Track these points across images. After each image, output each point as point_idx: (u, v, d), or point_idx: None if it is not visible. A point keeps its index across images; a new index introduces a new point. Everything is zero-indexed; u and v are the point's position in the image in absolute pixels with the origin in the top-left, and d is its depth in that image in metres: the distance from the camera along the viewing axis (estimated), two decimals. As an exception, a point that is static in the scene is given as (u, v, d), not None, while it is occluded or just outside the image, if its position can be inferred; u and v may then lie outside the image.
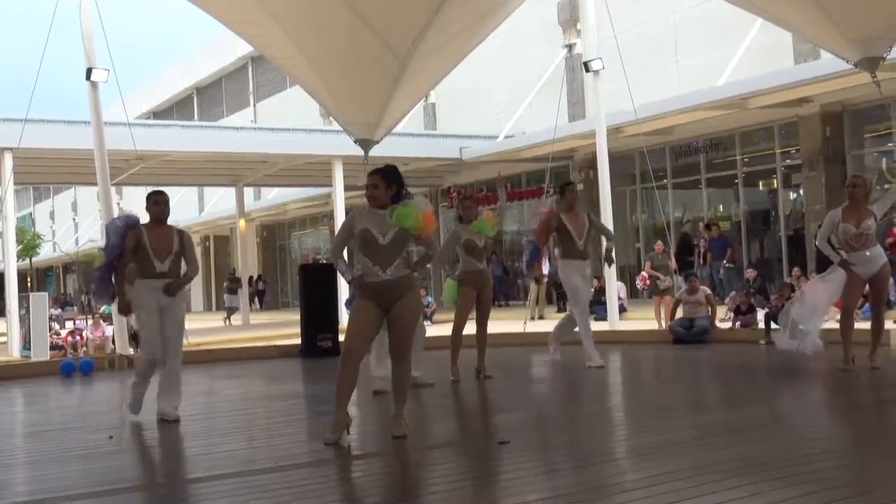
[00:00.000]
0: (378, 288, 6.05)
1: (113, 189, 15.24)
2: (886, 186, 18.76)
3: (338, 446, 5.90)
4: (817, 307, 8.64)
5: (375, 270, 6.03)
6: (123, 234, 7.28)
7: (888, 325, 12.95)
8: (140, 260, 7.25)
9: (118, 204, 41.30)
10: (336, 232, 7.61)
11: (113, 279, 7.38)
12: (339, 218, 22.03)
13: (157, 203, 7.43)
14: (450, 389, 8.68)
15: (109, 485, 5.20)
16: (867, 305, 15.38)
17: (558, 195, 10.09)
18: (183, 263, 7.43)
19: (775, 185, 20.95)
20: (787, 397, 7.64)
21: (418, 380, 8.70)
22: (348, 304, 7.35)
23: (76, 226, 54.07)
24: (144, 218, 7.48)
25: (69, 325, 20.87)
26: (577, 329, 10.18)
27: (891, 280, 15.59)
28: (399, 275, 6.06)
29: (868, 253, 8.38)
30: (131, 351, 13.59)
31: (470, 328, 9.26)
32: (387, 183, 6.10)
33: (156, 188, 7.71)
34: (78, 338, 16.92)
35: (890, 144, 18.32)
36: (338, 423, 6.01)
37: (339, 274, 7.61)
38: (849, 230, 8.34)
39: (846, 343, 8.45)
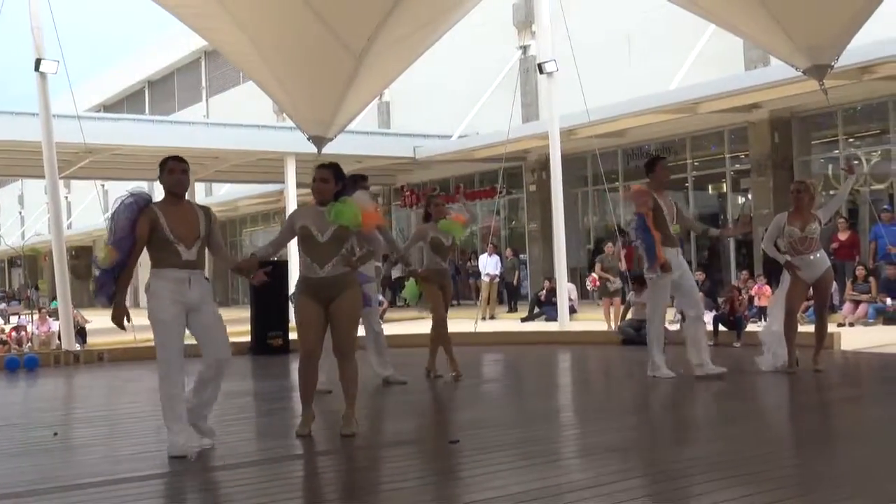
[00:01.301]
0: (316, 285, 6.06)
1: (61, 182, 15.02)
2: (832, 192, 19.11)
3: (306, 439, 6.00)
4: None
5: (314, 267, 6.05)
6: (135, 220, 5.64)
7: (830, 328, 13.20)
8: (158, 247, 5.67)
9: (66, 198, 40.86)
10: None
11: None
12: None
13: (173, 172, 5.79)
14: (399, 388, 8.67)
15: (52, 482, 5.14)
16: (811, 309, 15.67)
17: (647, 170, 8.83)
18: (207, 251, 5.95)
19: (724, 189, 21.22)
20: (733, 399, 7.74)
21: (391, 378, 8.74)
22: (292, 298, 7.32)
23: (22, 219, 53.14)
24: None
25: (14, 319, 20.54)
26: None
27: (834, 284, 15.89)
28: (337, 272, 6.06)
29: (812, 257, 8.55)
30: (77, 347, 13.42)
31: (424, 328, 9.25)
32: (336, 179, 6.13)
33: (172, 155, 6.10)
34: (23, 333, 16.65)
35: (836, 151, 18.64)
36: (306, 419, 6.14)
37: (289, 272, 7.57)
38: (794, 233, 8.50)
39: (790, 346, 8.58)
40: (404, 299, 10.90)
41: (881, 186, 18.21)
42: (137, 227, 5.62)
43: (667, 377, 8.36)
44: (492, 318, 20.68)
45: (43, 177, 14.07)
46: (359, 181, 8.82)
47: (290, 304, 8.02)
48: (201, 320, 5.73)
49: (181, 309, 5.64)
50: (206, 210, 5.93)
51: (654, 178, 8.69)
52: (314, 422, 6.17)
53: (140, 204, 5.68)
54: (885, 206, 16.70)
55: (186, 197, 6.05)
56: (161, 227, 5.62)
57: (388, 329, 10.35)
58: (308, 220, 6.09)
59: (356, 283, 6.24)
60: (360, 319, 8.59)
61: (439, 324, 9.02)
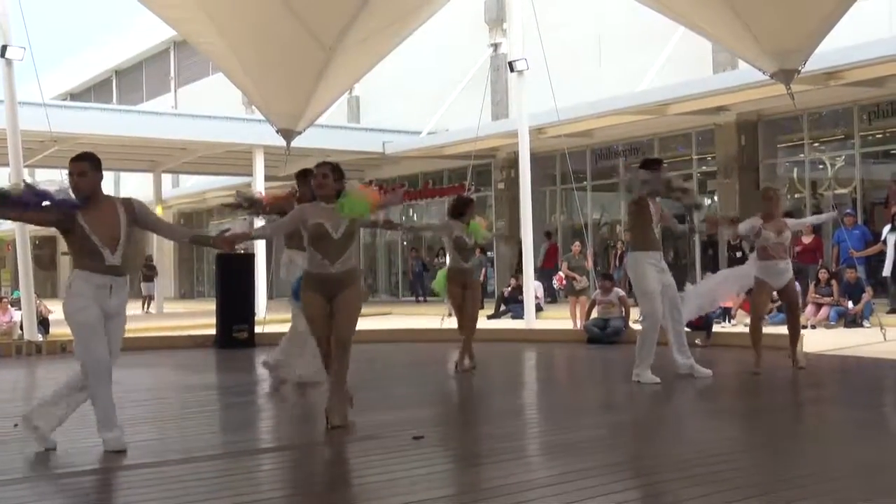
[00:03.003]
0: (324, 280, 6.17)
1: (26, 171, 14.82)
2: (797, 196, 19.33)
3: (272, 433, 5.96)
4: (712, 294, 9.17)
5: (325, 264, 6.16)
6: (52, 204, 5.48)
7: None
8: (81, 250, 5.51)
9: (30, 186, 40.29)
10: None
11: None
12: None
13: (70, 175, 5.54)
14: (363, 384, 8.66)
15: (10, 474, 5.08)
16: (774, 312, 15.84)
17: (647, 168, 8.47)
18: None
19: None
20: (696, 399, 7.82)
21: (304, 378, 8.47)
22: (295, 295, 7.34)
23: (-15, 207, 52.46)
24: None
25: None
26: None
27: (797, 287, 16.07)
28: (347, 268, 6.21)
29: (783, 264, 8.76)
30: (39, 337, 13.29)
31: (386, 324, 9.28)
32: (335, 175, 6.23)
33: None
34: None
35: (801, 155, 18.85)
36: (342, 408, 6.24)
37: (256, 266, 7.56)
38: (769, 237, 8.65)
39: (756, 347, 8.70)
40: (433, 290, 11.07)
41: (844, 191, 18.44)
42: (46, 211, 5.47)
43: (652, 382, 8.15)
44: (458, 314, 20.68)
45: (7, 165, 13.90)
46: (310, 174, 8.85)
47: (294, 299, 7.90)
48: (109, 328, 5.54)
49: (101, 312, 5.48)
50: (126, 203, 5.65)
51: None
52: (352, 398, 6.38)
53: (69, 203, 5.49)
54: (848, 211, 16.91)
55: (113, 193, 5.86)
56: (81, 228, 5.44)
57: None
58: (322, 218, 6.17)
59: (360, 278, 6.41)
60: None
61: (466, 322, 9.36)
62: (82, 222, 5.45)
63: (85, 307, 5.45)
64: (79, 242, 5.50)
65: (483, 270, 22.77)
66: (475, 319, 9.57)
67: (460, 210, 9.42)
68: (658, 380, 8.20)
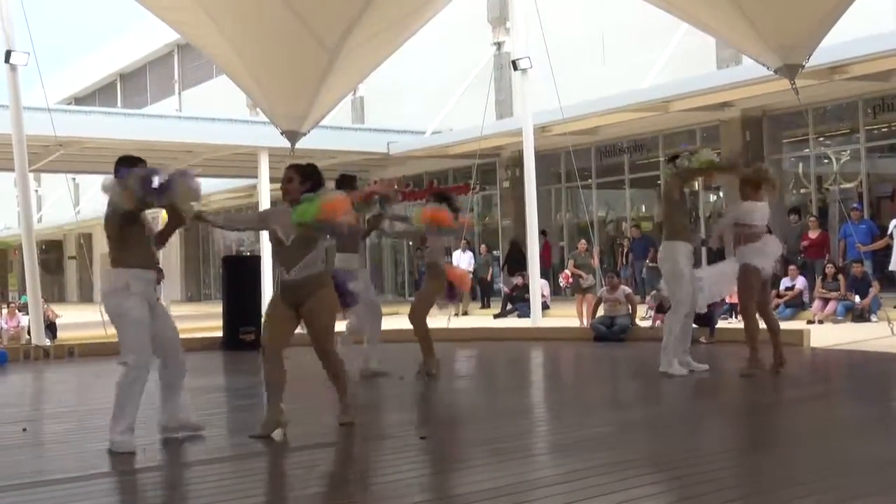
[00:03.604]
0: (285, 288, 6.04)
1: (31, 176, 14.88)
2: (802, 191, 19.29)
3: (267, 440, 5.88)
4: (718, 284, 8.83)
5: (282, 271, 6.04)
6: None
7: (800, 325, 13.32)
8: (139, 245, 5.77)
9: (36, 191, 40.43)
10: None
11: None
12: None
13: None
14: (374, 384, 8.67)
15: (20, 478, 5.09)
16: (781, 306, 15.82)
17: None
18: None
19: (696, 187, 21.32)
20: (703, 396, 7.80)
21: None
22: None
23: (-9, 212, 52.64)
24: None
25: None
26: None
27: (803, 282, 16.02)
28: (305, 274, 5.95)
29: (771, 247, 8.55)
30: (47, 341, 13.32)
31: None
32: (301, 177, 6.00)
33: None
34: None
35: (807, 150, 18.80)
36: (269, 420, 5.95)
37: (262, 267, 7.53)
38: (754, 217, 8.47)
39: (754, 344, 8.51)
40: None
41: (850, 185, 18.40)
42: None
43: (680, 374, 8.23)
44: (465, 314, 20.69)
45: (13, 170, 13.94)
46: (349, 181, 8.86)
47: (261, 298, 8.08)
48: (155, 316, 5.83)
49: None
50: None
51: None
52: (285, 425, 5.96)
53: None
54: (855, 205, 16.87)
55: None
56: (146, 223, 5.77)
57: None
58: (278, 223, 6.02)
59: (328, 283, 6.11)
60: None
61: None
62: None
63: (140, 305, 5.68)
64: (137, 236, 5.72)
65: (490, 269, 22.78)
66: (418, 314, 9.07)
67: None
68: (685, 372, 8.18)
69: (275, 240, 6.03)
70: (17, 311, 17.02)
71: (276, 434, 5.94)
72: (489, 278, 22.79)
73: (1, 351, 12.02)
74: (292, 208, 5.93)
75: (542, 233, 20.61)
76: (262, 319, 6.21)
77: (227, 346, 12.63)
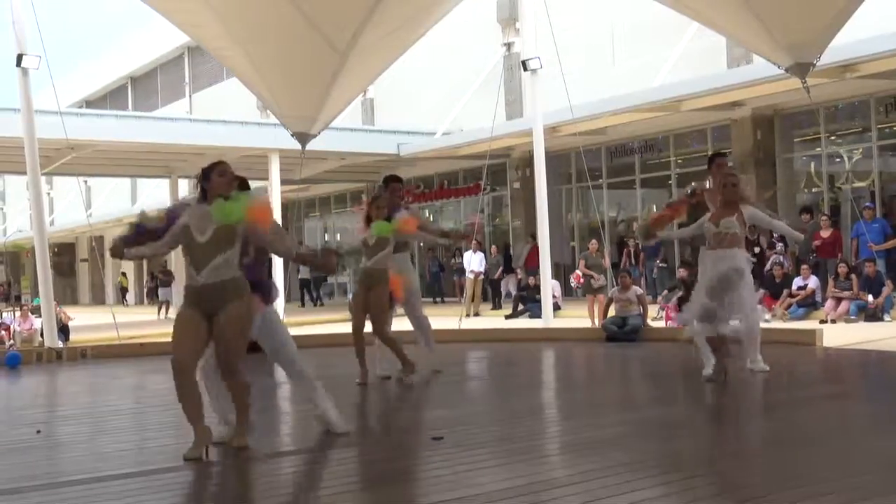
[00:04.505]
0: (195, 294, 5.44)
1: (43, 179, 14.93)
2: (814, 190, 19.24)
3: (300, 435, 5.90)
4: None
5: (191, 273, 5.44)
6: None
7: (813, 325, 13.28)
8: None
9: (48, 193, 40.60)
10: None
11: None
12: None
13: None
14: (387, 385, 8.68)
15: (36, 480, 5.11)
16: (794, 306, 15.78)
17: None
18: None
19: (707, 187, 21.29)
20: (716, 395, 7.78)
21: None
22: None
23: (4, 216, 52.86)
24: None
25: (-4, 317, 20.40)
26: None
27: (815, 281, 15.96)
28: (219, 279, 5.39)
29: (724, 253, 7.72)
30: (60, 344, 13.36)
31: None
32: (233, 174, 5.60)
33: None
34: (4, 331, 16.55)
35: (818, 149, 18.75)
36: (199, 439, 5.41)
37: (274, 270, 7.39)
38: (710, 228, 7.81)
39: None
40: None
41: (863, 184, 18.34)
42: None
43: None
44: (476, 315, 20.70)
45: (25, 173, 13.99)
46: (390, 182, 9.02)
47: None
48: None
49: None
50: None
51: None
52: (211, 442, 5.46)
53: None
54: (867, 204, 16.81)
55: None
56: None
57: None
58: (192, 219, 5.45)
59: (243, 291, 5.48)
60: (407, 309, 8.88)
61: (374, 324, 8.61)
62: None
63: None
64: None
65: (499, 270, 22.77)
66: (380, 321, 8.59)
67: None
68: (767, 368, 8.13)
69: (187, 237, 5.44)
70: (29, 313, 17.07)
71: (210, 451, 5.43)
72: (498, 278, 22.79)
73: (14, 353, 12.07)
74: (214, 204, 5.43)
75: (532, 236, 20.59)
76: (173, 331, 5.50)
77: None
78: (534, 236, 22.53)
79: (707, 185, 8.82)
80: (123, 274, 41.02)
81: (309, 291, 28.79)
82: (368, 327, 8.60)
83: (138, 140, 23.22)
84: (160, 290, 29.41)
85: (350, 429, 6.03)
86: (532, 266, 19.94)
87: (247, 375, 5.52)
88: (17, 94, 13.37)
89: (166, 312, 28.14)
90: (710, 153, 20.40)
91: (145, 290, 39.94)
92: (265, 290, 5.96)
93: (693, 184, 10.27)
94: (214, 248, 5.39)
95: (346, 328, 9.22)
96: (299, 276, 27.99)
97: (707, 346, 7.89)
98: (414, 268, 9.40)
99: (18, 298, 25.57)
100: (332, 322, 18.43)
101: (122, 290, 40.27)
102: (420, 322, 9.29)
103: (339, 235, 32.09)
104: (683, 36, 18.76)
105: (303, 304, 28.16)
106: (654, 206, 22.93)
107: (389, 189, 8.98)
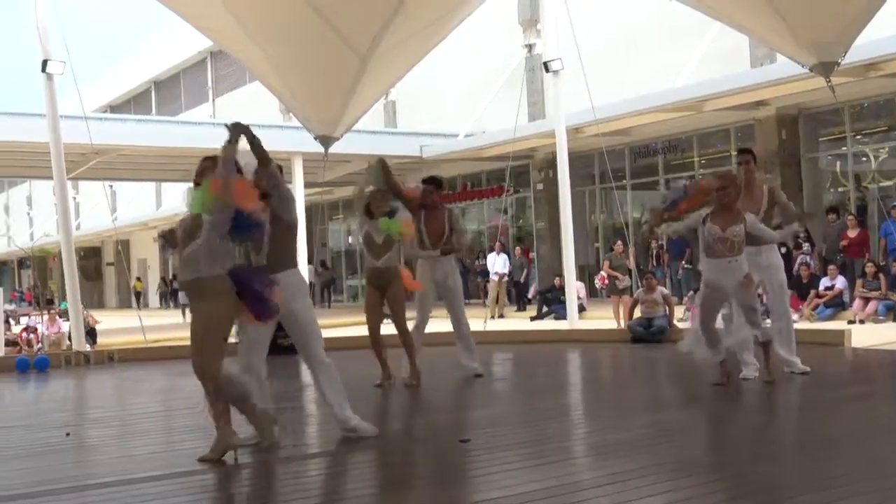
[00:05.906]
0: (182, 289, 5.56)
1: (69, 183, 15.03)
2: (841, 189, 19.10)
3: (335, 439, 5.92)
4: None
5: (179, 268, 5.47)
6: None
7: (840, 325, 13.19)
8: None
9: (74, 198, 40.90)
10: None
11: None
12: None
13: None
14: (412, 386, 8.68)
15: (66, 482, 5.16)
16: (821, 307, 15.66)
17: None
18: None
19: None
20: (742, 397, 7.73)
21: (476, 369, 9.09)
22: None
23: (31, 220, 53.28)
24: None
25: (24, 320, 20.60)
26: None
27: (842, 281, 15.83)
28: (188, 276, 5.30)
29: (731, 262, 7.52)
30: (87, 347, 13.46)
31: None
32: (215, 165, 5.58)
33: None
34: (32, 335, 16.69)
35: (844, 148, 18.62)
36: (220, 442, 5.37)
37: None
38: (714, 231, 7.53)
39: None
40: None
41: (890, 183, 18.19)
42: None
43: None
44: (500, 316, 20.69)
45: (51, 177, 14.11)
46: (435, 183, 9.11)
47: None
48: None
49: None
50: None
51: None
52: (232, 445, 5.40)
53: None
54: (895, 203, 16.68)
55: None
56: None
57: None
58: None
59: (219, 291, 5.28)
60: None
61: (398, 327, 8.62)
62: None
63: None
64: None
65: (524, 272, 22.75)
66: (402, 320, 8.59)
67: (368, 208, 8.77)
68: (808, 368, 8.13)
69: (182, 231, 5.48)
70: (57, 317, 17.21)
71: (228, 456, 5.41)
72: (523, 280, 22.77)
73: (42, 357, 12.17)
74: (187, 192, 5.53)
75: (519, 239, 20.54)
76: None
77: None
78: (521, 239, 22.26)
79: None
80: (138, 279, 41.31)
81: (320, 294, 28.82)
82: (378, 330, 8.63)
83: (162, 144, 23.36)
84: (181, 294, 29.55)
85: (376, 431, 6.03)
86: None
87: (224, 379, 5.39)
88: (42, 99, 13.49)
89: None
90: (733, 153, 20.40)
91: (158, 294, 40.22)
92: (258, 305, 5.52)
93: (684, 181, 10.16)
94: (185, 242, 5.33)
95: (355, 331, 9.25)
96: (308, 280, 28.04)
97: (743, 351, 7.97)
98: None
99: (51, 301, 25.73)
100: (345, 326, 18.44)
101: (138, 294, 40.55)
102: (461, 330, 9.14)
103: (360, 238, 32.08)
104: (706, 36, 18.67)
105: None
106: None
107: (423, 191, 9.01)
